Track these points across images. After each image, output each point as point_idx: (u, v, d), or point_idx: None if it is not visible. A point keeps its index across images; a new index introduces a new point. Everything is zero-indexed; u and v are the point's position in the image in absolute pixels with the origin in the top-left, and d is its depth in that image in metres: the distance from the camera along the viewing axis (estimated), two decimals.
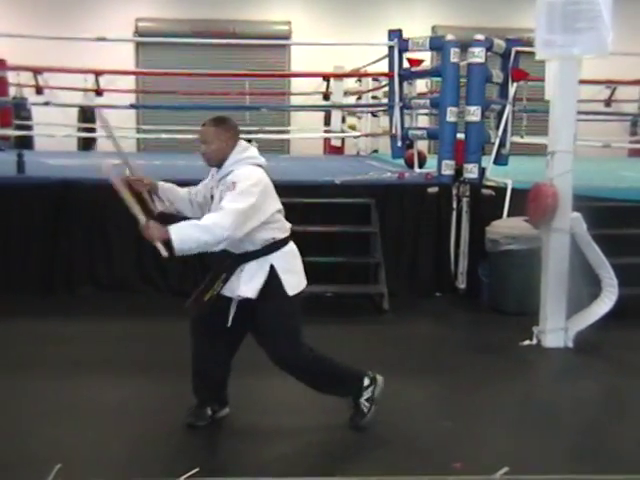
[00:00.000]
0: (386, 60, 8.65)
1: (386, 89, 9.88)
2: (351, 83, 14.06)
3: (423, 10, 16.57)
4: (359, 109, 13.64)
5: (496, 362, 5.69)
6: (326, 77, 14.25)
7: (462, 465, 3.81)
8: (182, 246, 3.74)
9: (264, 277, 3.99)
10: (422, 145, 9.51)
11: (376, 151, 13.22)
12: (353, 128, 13.93)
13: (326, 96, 14.79)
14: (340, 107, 13.30)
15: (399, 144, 8.58)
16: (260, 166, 4.07)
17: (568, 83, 5.83)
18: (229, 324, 4.07)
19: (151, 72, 15.41)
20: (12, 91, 13.42)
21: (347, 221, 7.39)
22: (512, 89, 8.11)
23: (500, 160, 8.17)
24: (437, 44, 8.01)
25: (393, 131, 8.58)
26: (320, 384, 4.25)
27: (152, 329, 6.21)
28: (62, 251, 7.37)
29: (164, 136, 11.58)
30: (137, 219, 3.84)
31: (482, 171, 7.64)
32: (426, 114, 10.81)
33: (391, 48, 8.41)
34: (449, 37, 7.75)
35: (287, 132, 15.54)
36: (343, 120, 13.91)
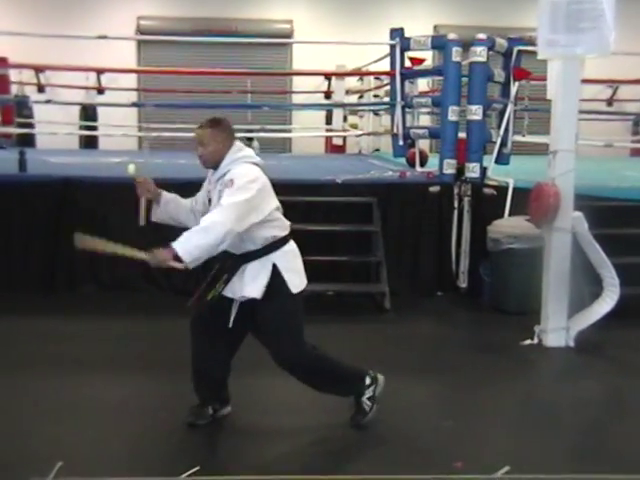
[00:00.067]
0: (388, 59, 8.64)
1: (388, 88, 9.87)
2: (353, 82, 14.07)
3: (425, 9, 16.57)
4: (361, 108, 13.64)
5: (497, 361, 5.69)
6: (328, 76, 14.28)
7: (463, 464, 3.81)
8: (190, 257, 3.75)
9: (267, 276, 3.99)
10: (424, 144, 9.50)
11: (378, 150, 13.22)
12: (355, 127, 13.94)
13: (328, 95, 14.81)
14: (342, 106, 13.31)
15: (401, 143, 8.57)
16: (257, 165, 4.06)
17: (570, 82, 5.82)
18: (230, 325, 4.07)
19: (153, 70, 15.41)
20: (14, 89, 13.43)
21: (349, 220, 7.39)
22: (514, 88, 8.10)
23: (502, 159, 8.17)
24: (439, 43, 8.00)
25: (395, 130, 8.57)
26: (322, 383, 4.24)
27: (154, 328, 6.22)
28: (64, 249, 7.36)
29: (166, 134, 11.55)
30: (139, 259, 3.83)
31: (484, 170, 7.63)
32: (428, 113, 10.79)
33: (393, 47, 8.39)
34: (451, 36, 7.74)
35: (289, 131, 15.55)
36: (345, 119, 13.92)
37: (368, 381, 4.30)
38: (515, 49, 8.07)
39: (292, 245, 4.13)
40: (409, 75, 8.60)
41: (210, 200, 4.09)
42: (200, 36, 14.59)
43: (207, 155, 4.02)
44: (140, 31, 15.97)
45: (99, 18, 15.48)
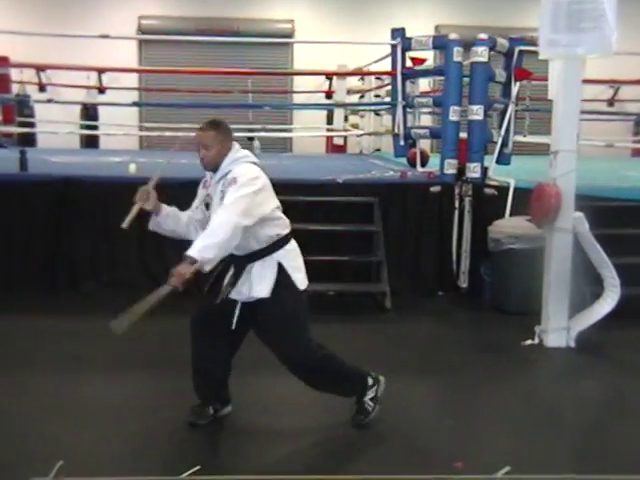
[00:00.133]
0: (389, 59, 8.64)
1: (389, 88, 9.87)
2: (354, 82, 14.06)
3: (426, 9, 16.58)
4: (362, 108, 13.64)
5: (498, 361, 5.69)
6: (329, 75, 14.28)
7: (463, 464, 3.81)
8: (206, 258, 3.74)
9: (274, 275, 4.01)
10: (425, 144, 9.50)
11: (379, 150, 13.22)
12: (356, 127, 13.94)
13: (329, 94, 14.81)
14: (343, 106, 13.32)
15: (402, 143, 8.56)
16: (256, 164, 4.09)
17: (571, 82, 5.82)
18: (233, 327, 4.07)
19: (154, 70, 15.42)
20: (15, 88, 13.43)
21: (349, 220, 7.39)
22: (515, 88, 8.10)
23: (503, 159, 8.16)
24: (440, 43, 7.99)
25: (396, 130, 8.57)
26: (326, 382, 4.23)
27: (154, 326, 6.16)
28: (64, 248, 7.37)
29: (167, 134, 11.56)
30: (167, 293, 3.80)
31: (485, 170, 7.63)
32: (429, 113, 10.77)
33: (394, 47, 8.39)
34: (452, 36, 7.74)
35: (290, 130, 15.55)
36: (346, 119, 13.93)
37: (370, 382, 4.30)
38: (516, 49, 8.06)
39: (294, 243, 4.16)
40: (410, 75, 8.59)
41: (208, 205, 4.09)
42: (201, 36, 14.56)
43: (210, 157, 4.03)
44: (141, 30, 15.98)
45: (100, 17, 15.49)
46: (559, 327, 5.91)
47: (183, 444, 4.09)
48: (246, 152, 4.15)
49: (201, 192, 4.20)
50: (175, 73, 14.77)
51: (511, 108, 8.04)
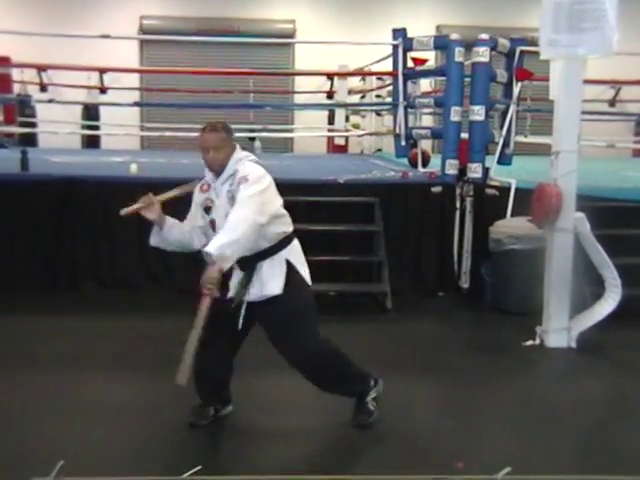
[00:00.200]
0: (390, 59, 8.64)
1: (390, 88, 9.87)
2: (355, 82, 14.07)
3: (428, 9, 16.58)
4: (363, 108, 13.64)
5: (499, 362, 5.69)
6: (330, 76, 14.27)
7: (464, 465, 3.81)
8: (226, 256, 3.75)
9: (284, 272, 4.03)
10: (426, 144, 9.49)
11: (380, 150, 13.22)
12: (357, 127, 13.94)
13: (330, 95, 14.80)
14: (344, 106, 13.31)
15: (403, 143, 8.56)
16: (257, 163, 4.12)
17: (573, 83, 5.82)
18: (239, 327, 4.07)
19: (155, 70, 15.42)
20: (16, 88, 13.45)
21: (350, 220, 7.39)
22: (516, 89, 8.09)
23: (504, 160, 8.15)
24: (441, 43, 7.98)
25: (397, 130, 8.56)
26: (333, 379, 4.21)
27: (155, 326, 6.22)
28: (65, 248, 7.38)
29: (168, 134, 11.57)
30: (209, 304, 3.82)
31: (486, 171, 7.62)
32: (430, 113, 10.77)
33: (395, 47, 8.39)
34: (453, 36, 7.73)
35: (291, 130, 15.55)
36: (347, 119, 13.92)
37: (372, 382, 4.31)
38: (517, 49, 8.06)
39: (297, 241, 4.19)
40: (411, 75, 8.59)
41: (209, 209, 4.08)
42: (202, 36, 14.58)
43: (220, 159, 4.02)
44: (142, 30, 16.00)
45: (101, 17, 15.51)
46: (560, 327, 5.91)
47: (184, 444, 4.09)
48: (247, 152, 4.18)
49: (199, 196, 4.17)
50: (176, 73, 14.79)
51: (512, 108, 8.04)
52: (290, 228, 4.14)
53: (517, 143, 8.27)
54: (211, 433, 4.23)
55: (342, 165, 9.95)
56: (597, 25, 5.46)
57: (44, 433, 4.14)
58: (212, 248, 3.74)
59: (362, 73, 12.82)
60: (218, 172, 4.07)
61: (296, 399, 4.67)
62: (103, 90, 14.43)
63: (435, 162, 8.41)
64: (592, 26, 5.47)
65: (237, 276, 4.08)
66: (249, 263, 4.01)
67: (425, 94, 9.54)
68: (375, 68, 10.88)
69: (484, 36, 7.56)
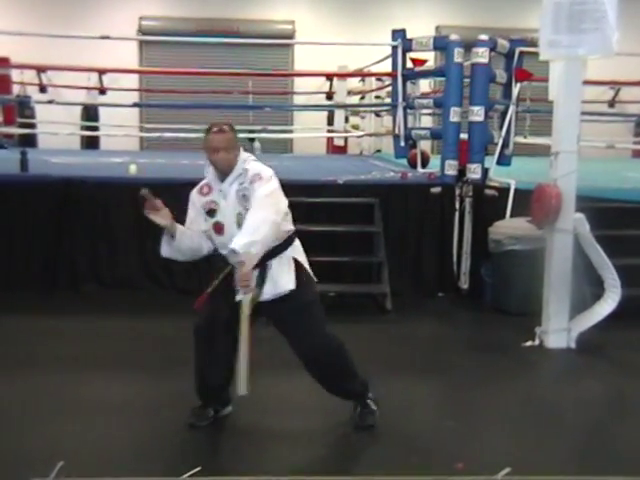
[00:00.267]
0: (390, 60, 8.64)
1: (389, 89, 9.87)
2: (354, 83, 14.07)
3: (427, 10, 16.59)
4: (362, 109, 13.64)
5: (498, 362, 5.69)
6: (329, 76, 14.27)
7: (464, 465, 3.81)
8: (252, 255, 3.76)
9: (293, 269, 4.05)
10: (425, 145, 9.50)
11: (379, 151, 13.23)
12: (356, 128, 13.94)
13: (329, 95, 14.81)
14: (343, 107, 13.32)
15: (402, 144, 8.56)
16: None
17: (572, 83, 5.82)
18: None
19: (154, 70, 15.43)
20: (16, 89, 13.46)
21: (350, 221, 7.39)
22: (516, 89, 8.10)
23: (503, 160, 8.16)
24: (441, 44, 7.99)
25: (396, 131, 8.56)
26: (339, 376, 4.21)
27: (155, 326, 6.22)
28: (65, 248, 7.38)
29: (167, 135, 11.58)
30: (253, 301, 3.83)
31: (485, 171, 7.63)
32: (429, 114, 10.80)
33: (395, 48, 8.39)
34: (453, 37, 7.74)
35: (290, 131, 15.55)
36: (346, 120, 13.92)
37: (368, 384, 4.32)
38: (517, 50, 8.07)
39: (298, 240, 4.22)
40: (411, 76, 8.59)
41: (213, 211, 4.05)
42: (202, 36, 14.60)
43: (230, 159, 4.02)
44: (142, 31, 16.00)
45: (101, 18, 15.50)
46: (560, 328, 5.91)
47: (184, 445, 4.09)
48: (248, 153, 4.20)
49: (199, 200, 4.13)
50: (176, 74, 14.80)
51: (512, 109, 8.04)
52: (293, 227, 4.17)
53: (516, 144, 8.27)
54: (211, 434, 4.23)
55: (341, 166, 9.95)
56: (597, 26, 5.46)
57: (44, 433, 4.14)
58: (238, 246, 3.73)
59: (361, 74, 12.83)
60: (227, 173, 4.04)
61: (296, 399, 4.67)
62: (102, 91, 14.44)
63: (434, 163, 8.41)
64: (592, 27, 5.47)
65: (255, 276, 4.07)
66: (259, 262, 4.01)
67: (424, 95, 9.53)
68: (374, 69, 10.87)
69: (483, 37, 7.57)
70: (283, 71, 16.69)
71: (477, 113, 7.49)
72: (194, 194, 4.17)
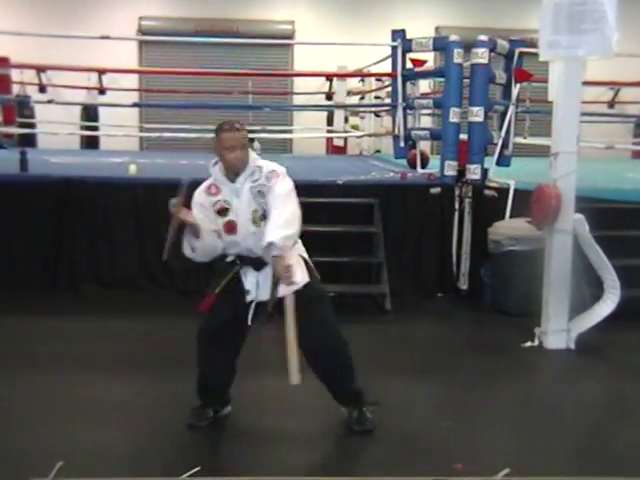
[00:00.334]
0: (389, 60, 8.65)
1: (389, 89, 9.87)
2: (354, 83, 14.06)
3: (427, 10, 16.57)
4: (362, 109, 13.64)
5: (498, 363, 5.69)
6: (329, 77, 14.27)
7: (463, 466, 3.81)
8: (287, 248, 3.81)
9: (304, 265, 4.07)
10: (425, 145, 9.50)
11: (379, 151, 13.22)
12: (356, 128, 13.93)
13: (329, 96, 14.80)
14: (343, 107, 13.30)
15: (402, 144, 8.56)
16: None
17: (572, 84, 5.82)
18: (249, 323, 4.07)
19: (154, 71, 15.42)
20: (15, 89, 13.44)
21: (350, 221, 7.39)
22: (515, 90, 8.11)
23: (503, 161, 8.17)
24: (440, 44, 8.00)
25: (396, 131, 8.57)
26: (344, 374, 4.22)
27: (155, 327, 6.22)
28: (65, 248, 7.38)
29: (167, 135, 11.57)
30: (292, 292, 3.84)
31: (485, 172, 7.63)
32: (429, 114, 10.80)
33: (394, 48, 8.39)
34: (453, 38, 7.74)
35: (290, 131, 15.54)
36: (346, 120, 13.91)
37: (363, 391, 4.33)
38: (517, 51, 8.07)
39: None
40: (410, 76, 8.59)
41: (225, 210, 4.02)
42: (201, 37, 14.60)
43: (245, 157, 4.03)
44: (141, 31, 15.98)
45: (101, 18, 15.49)
46: (559, 329, 5.91)
47: (183, 445, 4.09)
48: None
49: (207, 200, 4.08)
50: (175, 74, 14.79)
51: (511, 110, 8.05)
52: None
53: (516, 144, 8.28)
54: (210, 434, 4.23)
55: (341, 166, 9.95)
56: (597, 26, 5.46)
57: (43, 433, 4.14)
58: (276, 239, 3.75)
59: (361, 74, 12.82)
60: (238, 171, 4.02)
61: (296, 400, 4.66)
62: (102, 91, 14.43)
63: (434, 163, 8.42)
64: (592, 27, 5.48)
65: (252, 276, 4.07)
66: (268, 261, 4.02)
67: (424, 95, 9.54)
68: (374, 69, 10.87)
69: (483, 37, 7.57)
70: (283, 71, 16.68)
71: (477, 114, 7.50)
72: (201, 195, 4.11)
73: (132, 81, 15.44)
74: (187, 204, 4.02)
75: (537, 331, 5.98)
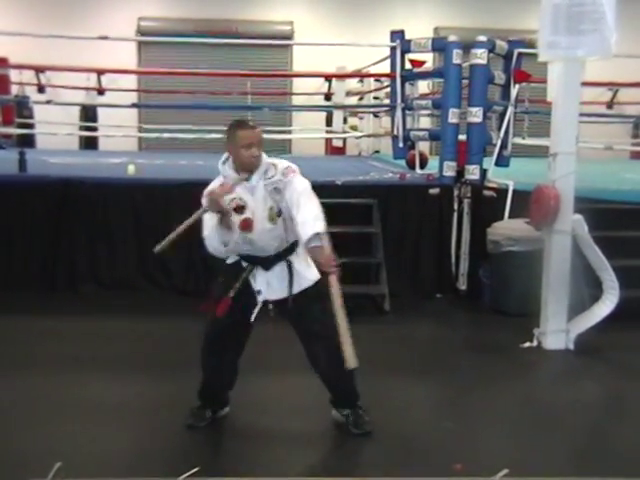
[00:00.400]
0: (388, 61, 8.65)
1: (388, 90, 9.88)
2: (353, 84, 14.06)
3: (426, 11, 16.57)
4: (361, 110, 13.64)
5: (496, 363, 5.69)
6: (328, 77, 14.27)
7: (462, 467, 3.81)
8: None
9: (312, 263, 4.07)
10: (424, 146, 9.50)
11: (378, 152, 13.22)
12: (355, 129, 13.94)
13: (328, 96, 14.80)
14: (342, 107, 13.30)
15: (401, 145, 8.57)
16: None
17: (571, 85, 5.82)
18: (252, 319, 4.06)
19: (153, 71, 15.42)
20: (14, 89, 13.44)
21: (348, 221, 7.37)
22: (514, 90, 8.11)
23: (502, 161, 8.17)
24: (439, 45, 8.00)
25: (395, 132, 8.57)
26: (342, 371, 4.20)
27: (154, 327, 6.22)
28: (64, 249, 7.38)
29: (166, 135, 11.57)
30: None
31: (484, 172, 7.64)
32: (428, 115, 10.80)
33: (393, 49, 8.40)
34: (451, 38, 7.74)
35: (289, 132, 15.54)
36: (345, 121, 13.91)
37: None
38: (515, 51, 8.08)
39: None
40: (409, 77, 8.60)
41: (241, 207, 3.96)
42: (200, 37, 14.59)
43: (260, 155, 4.02)
44: (140, 32, 15.97)
45: (100, 18, 15.48)
46: (558, 329, 5.91)
47: (183, 445, 4.09)
48: None
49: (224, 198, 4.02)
50: (174, 75, 14.78)
51: (510, 110, 8.06)
52: None
53: (515, 145, 8.29)
54: (210, 434, 4.23)
55: (340, 167, 9.95)
56: (596, 27, 5.46)
57: (42, 434, 4.14)
58: (320, 228, 3.82)
59: (360, 75, 12.82)
60: (253, 169, 3.98)
61: (294, 400, 4.67)
62: (101, 91, 14.42)
63: (433, 164, 8.42)
64: (591, 28, 5.48)
65: (263, 277, 4.06)
66: (281, 259, 4.03)
67: (423, 96, 9.54)
68: (373, 70, 10.87)
69: (482, 38, 7.58)
70: (282, 72, 16.67)
71: (475, 114, 7.51)
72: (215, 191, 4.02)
73: (131, 82, 15.44)
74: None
75: (536, 331, 5.98)
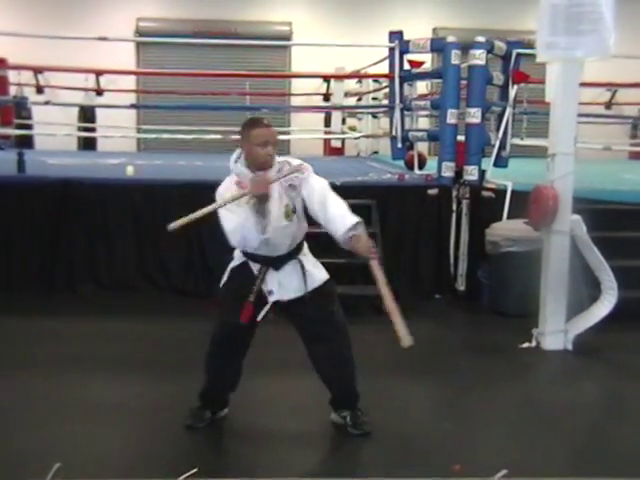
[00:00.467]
0: (387, 61, 8.65)
1: (387, 90, 9.88)
2: (352, 84, 14.06)
3: (424, 11, 16.57)
4: (359, 110, 13.64)
5: (495, 364, 5.69)
6: (327, 78, 14.28)
7: (461, 467, 3.81)
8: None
9: (319, 263, 4.12)
10: (422, 147, 9.50)
11: (376, 152, 13.22)
12: (353, 129, 13.93)
13: (326, 97, 14.81)
14: (340, 108, 13.31)
15: (399, 146, 8.57)
16: None
17: (569, 85, 5.83)
18: (259, 319, 4.06)
19: (152, 72, 15.42)
20: (13, 90, 13.44)
21: None
22: (513, 91, 8.12)
23: (500, 162, 8.17)
24: (438, 46, 8.00)
25: (393, 132, 8.58)
26: (350, 371, 4.22)
27: (153, 328, 6.22)
28: (63, 250, 7.37)
29: (164, 136, 11.57)
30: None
31: (482, 173, 7.64)
32: (426, 116, 10.80)
33: (392, 49, 8.40)
34: (450, 39, 7.74)
35: (287, 133, 15.54)
36: (343, 121, 13.91)
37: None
38: (514, 52, 8.08)
39: None
40: (408, 78, 8.60)
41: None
42: (199, 38, 14.60)
43: (275, 153, 4.01)
44: (139, 32, 15.96)
45: (98, 19, 15.47)
46: (556, 330, 5.92)
47: (183, 446, 4.08)
48: None
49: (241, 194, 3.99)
50: (173, 75, 14.78)
51: (509, 111, 8.06)
52: None
53: (513, 145, 8.29)
54: (210, 435, 4.23)
55: (339, 167, 9.93)
56: (594, 28, 5.47)
57: (41, 435, 4.14)
58: (355, 220, 3.91)
59: (359, 75, 12.82)
60: (266, 167, 3.95)
61: (294, 401, 4.67)
62: (99, 92, 14.42)
63: (431, 165, 8.41)
64: (589, 29, 5.48)
65: (274, 277, 4.05)
66: (292, 257, 4.04)
67: (421, 96, 9.55)
68: (372, 70, 10.87)
69: (480, 39, 7.58)
70: (280, 72, 16.67)
71: (474, 115, 7.51)
72: (232, 190, 3.95)
73: (129, 82, 15.44)
74: None
75: (535, 332, 5.98)
